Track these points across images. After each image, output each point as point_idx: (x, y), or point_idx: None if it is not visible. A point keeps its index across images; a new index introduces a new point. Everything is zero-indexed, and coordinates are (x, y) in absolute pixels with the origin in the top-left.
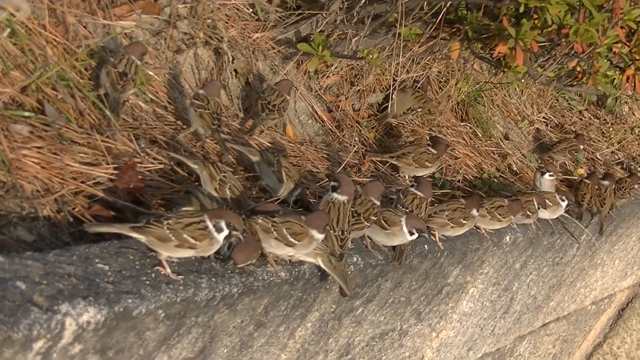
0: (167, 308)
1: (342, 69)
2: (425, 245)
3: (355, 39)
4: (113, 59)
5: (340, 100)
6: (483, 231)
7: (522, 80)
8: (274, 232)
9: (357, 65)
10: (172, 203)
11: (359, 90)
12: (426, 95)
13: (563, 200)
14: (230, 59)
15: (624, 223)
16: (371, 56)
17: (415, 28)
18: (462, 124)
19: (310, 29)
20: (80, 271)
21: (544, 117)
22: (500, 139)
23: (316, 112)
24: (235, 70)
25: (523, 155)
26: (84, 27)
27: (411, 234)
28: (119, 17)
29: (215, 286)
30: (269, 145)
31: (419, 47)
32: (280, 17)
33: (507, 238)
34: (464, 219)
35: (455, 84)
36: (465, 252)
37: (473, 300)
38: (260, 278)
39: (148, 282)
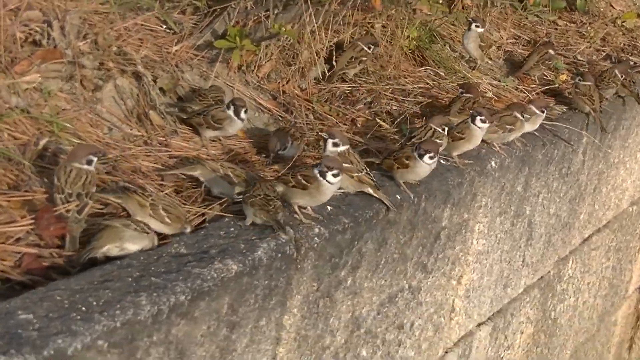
0: (109, 336)
1: (272, 54)
2: (397, 195)
3: (271, 19)
4: None
5: (283, 85)
6: (497, 147)
7: None
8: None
9: (287, 45)
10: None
11: (298, 69)
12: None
13: (542, 111)
14: (150, 79)
15: (626, 114)
16: (283, 29)
17: None
18: (421, 68)
19: (225, 24)
20: (0, 328)
21: (513, 38)
22: (466, 71)
23: (260, 104)
24: (161, 89)
25: (497, 80)
26: None
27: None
28: (21, 74)
29: (158, 299)
30: (215, 155)
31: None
32: (195, 24)
33: (493, 163)
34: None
35: (402, 33)
36: (448, 190)
37: (483, 237)
38: (208, 277)
39: (79, 316)
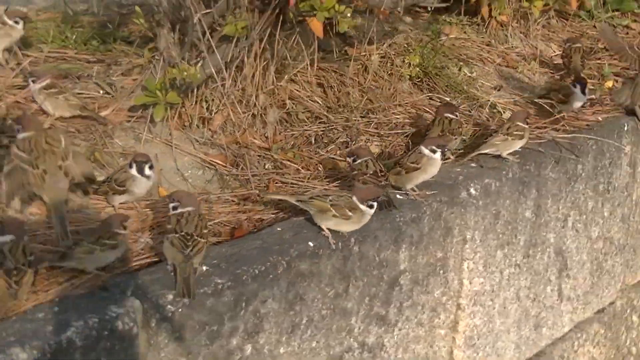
0: None
1: (221, 103)
2: (310, 242)
3: (200, 64)
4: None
5: (239, 136)
6: (511, 160)
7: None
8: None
9: (240, 90)
10: None
11: (253, 115)
12: None
13: (526, 123)
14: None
15: None
16: (185, 73)
17: (240, 21)
18: (422, 96)
19: (152, 77)
20: None
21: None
22: (486, 92)
23: (204, 161)
24: None
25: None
26: None
27: None
28: None
29: None
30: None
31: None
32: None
33: (472, 190)
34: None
35: (403, 61)
36: (398, 227)
37: (479, 275)
38: None
39: None
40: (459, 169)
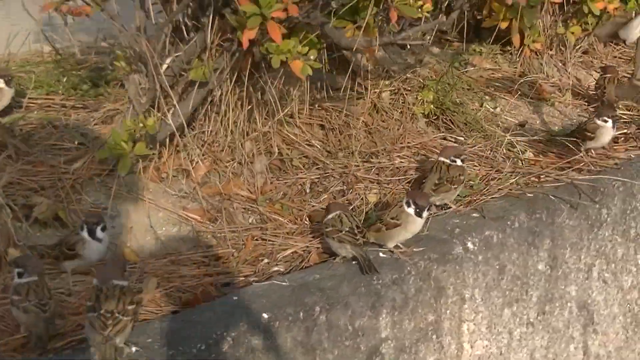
0: None
1: (202, 153)
2: (265, 314)
3: (172, 111)
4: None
5: (222, 187)
6: None
7: None
8: None
9: (224, 137)
10: None
11: (239, 163)
12: None
13: None
14: (9, 212)
15: None
16: (141, 124)
17: (205, 66)
18: (437, 135)
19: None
20: None
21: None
22: (507, 130)
23: (181, 216)
24: (36, 220)
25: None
26: None
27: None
28: None
29: None
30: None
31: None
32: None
33: (470, 244)
34: None
35: (416, 98)
36: (376, 291)
37: (483, 337)
38: None
39: None
40: (457, 220)
